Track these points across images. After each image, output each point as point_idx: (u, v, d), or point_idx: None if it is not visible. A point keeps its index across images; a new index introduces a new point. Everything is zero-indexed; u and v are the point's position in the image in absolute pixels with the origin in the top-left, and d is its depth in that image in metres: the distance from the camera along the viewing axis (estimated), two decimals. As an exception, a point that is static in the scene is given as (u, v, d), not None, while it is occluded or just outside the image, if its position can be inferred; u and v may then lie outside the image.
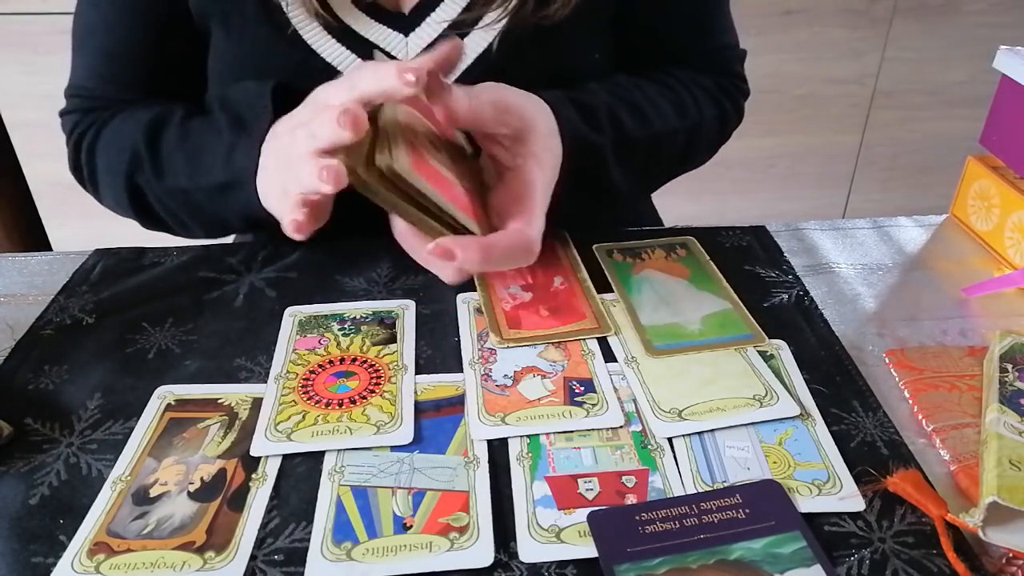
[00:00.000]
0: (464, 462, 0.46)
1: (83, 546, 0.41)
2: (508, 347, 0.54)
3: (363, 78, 0.47)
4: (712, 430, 0.48)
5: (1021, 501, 0.40)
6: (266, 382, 0.52)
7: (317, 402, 0.50)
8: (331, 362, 0.53)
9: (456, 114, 0.49)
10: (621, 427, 0.48)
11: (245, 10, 0.61)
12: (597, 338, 0.55)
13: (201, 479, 0.45)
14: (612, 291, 0.60)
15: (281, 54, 0.62)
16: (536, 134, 0.53)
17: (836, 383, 0.51)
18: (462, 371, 0.52)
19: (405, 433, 0.47)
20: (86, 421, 0.49)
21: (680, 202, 1.82)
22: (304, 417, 0.48)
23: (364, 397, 0.50)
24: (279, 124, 0.54)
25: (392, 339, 0.55)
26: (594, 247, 0.65)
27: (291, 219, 0.49)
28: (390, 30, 0.62)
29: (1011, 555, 0.40)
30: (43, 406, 0.50)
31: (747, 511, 0.42)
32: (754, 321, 0.57)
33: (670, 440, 0.47)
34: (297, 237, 0.50)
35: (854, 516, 0.42)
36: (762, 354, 0.54)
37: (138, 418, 0.49)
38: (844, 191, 1.93)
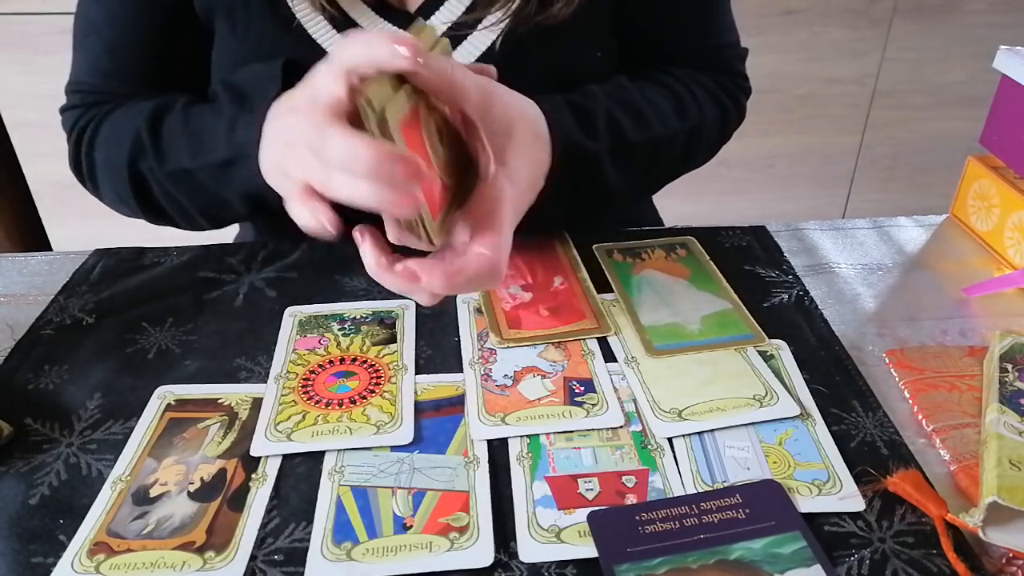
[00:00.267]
0: (464, 462, 0.46)
1: (83, 546, 0.41)
2: (508, 347, 0.54)
3: (354, 51, 0.45)
4: (712, 430, 0.48)
5: (1021, 501, 0.40)
6: (266, 382, 0.52)
7: (317, 402, 0.50)
8: (331, 362, 0.53)
9: (446, 79, 0.46)
10: (621, 427, 0.48)
11: (250, 5, 0.61)
12: (597, 338, 0.55)
13: (201, 479, 0.45)
14: (612, 291, 0.60)
15: (286, 49, 0.62)
16: (514, 143, 0.50)
17: (836, 383, 0.51)
18: (462, 371, 0.52)
19: (405, 433, 0.47)
20: (86, 421, 0.49)
21: (680, 202, 1.82)
22: (304, 417, 0.48)
23: (364, 397, 0.50)
24: (279, 103, 0.53)
25: (392, 339, 0.55)
26: (594, 247, 0.65)
27: (314, 217, 0.45)
28: (395, 27, 0.62)
29: (1011, 555, 0.40)
30: (43, 406, 0.50)
31: (747, 511, 0.42)
32: (754, 321, 0.57)
33: (670, 440, 0.47)
34: (327, 233, 0.46)
35: (854, 516, 0.42)
36: (762, 354, 0.54)
37: (138, 418, 0.49)
38: (844, 191, 1.93)
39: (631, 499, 0.43)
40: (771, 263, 0.64)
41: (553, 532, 0.41)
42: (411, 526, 0.42)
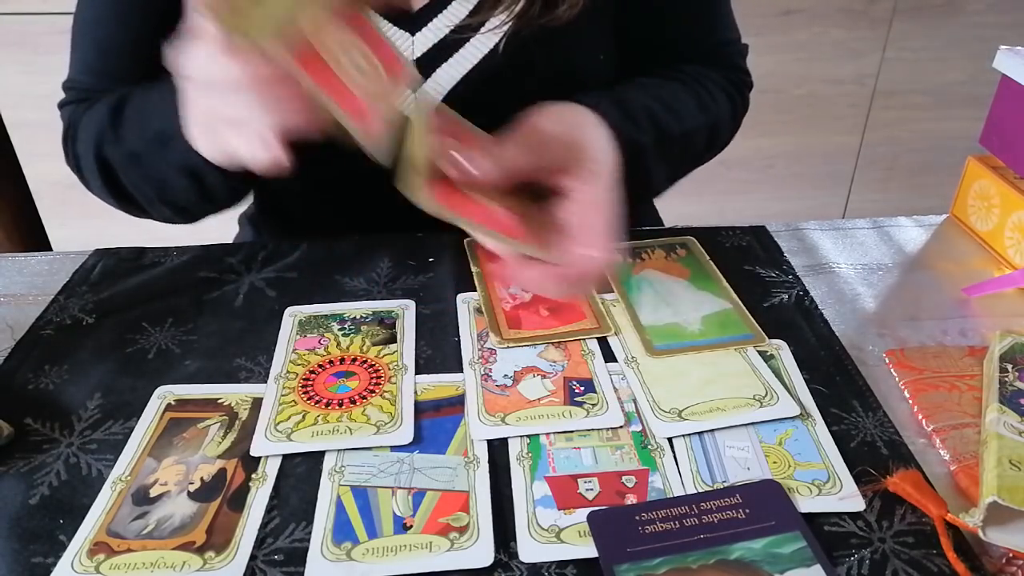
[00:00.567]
0: (464, 462, 0.46)
1: (83, 546, 0.41)
2: (508, 347, 0.54)
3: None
4: (712, 430, 0.48)
5: (1021, 501, 0.40)
6: (266, 382, 0.52)
7: (317, 402, 0.50)
8: (331, 362, 0.53)
9: (493, 177, 0.47)
10: (621, 427, 0.48)
11: None
12: (597, 338, 0.55)
13: (201, 479, 0.45)
14: (612, 291, 0.60)
15: None
16: (587, 151, 0.50)
17: (836, 383, 0.51)
18: (462, 371, 0.52)
19: (405, 433, 0.47)
20: (86, 421, 0.49)
21: (680, 202, 1.81)
22: (304, 417, 0.48)
23: (364, 397, 0.50)
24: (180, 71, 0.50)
25: (392, 339, 0.55)
26: (594, 247, 0.65)
27: (267, 156, 0.45)
28: (397, 28, 0.62)
29: (1011, 555, 0.40)
30: (43, 406, 0.50)
31: (747, 511, 0.42)
32: (754, 321, 0.57)
33: (670, 440, 0.47)
34: (275, 168, 0.46)
35: (854, 516, 0.42)
36: (762, 354, 0.54)
37: (138, 418, 0.49)
38: (844, 191, 1.93)
39: (631, 499, 0.43)
40: (771, 263, 0.64)
41: (553, 532, 0.41)
42: (411, 526, 0.42)
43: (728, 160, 1.80)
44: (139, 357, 0.54)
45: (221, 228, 0.79)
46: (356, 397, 0.50)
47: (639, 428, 0.48)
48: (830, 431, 0.48)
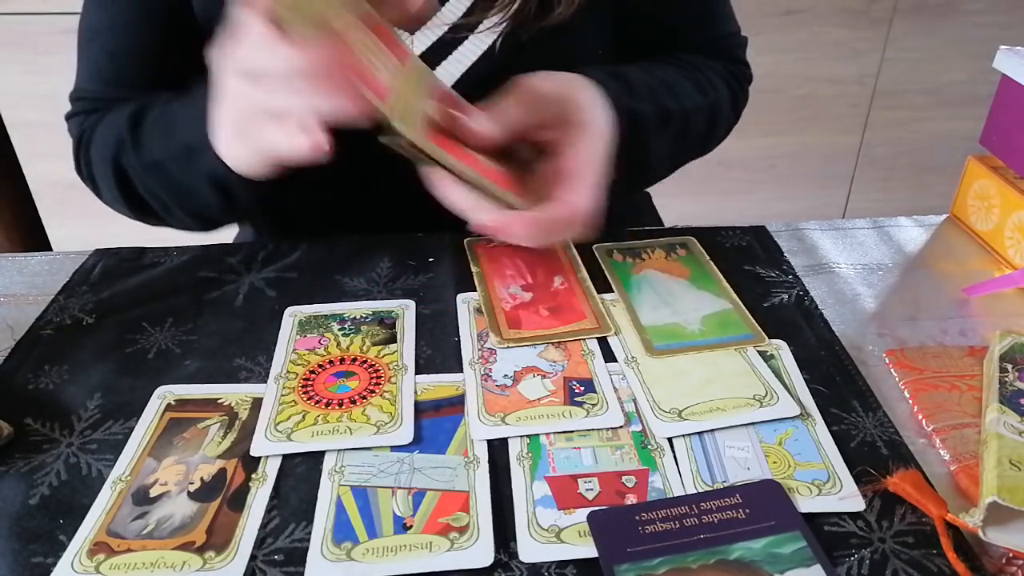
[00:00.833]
0: (464, 462, 0.46)
1: (83, 546, 0.41)
2: (508, 347, 0.54)
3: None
4: (712, 430, 0.48)
5: (1021, 501, 0.40)
6: (266, 382, 0.52)
7: (317, 402, 0.50)
8: (331, 362, 0.53)
9: (489, 138, 0.49)
10: (621, 427, 0.48)
11: None
12: (597, 338, 0.55)
13: (201, 479, 0.45)
14: (612, 291, 0.60)
15: None
16: (580, 111, 0.52)
17: (836, 383, 0.51)
18: (462, 371, 0.52)
19: (405, 433, 0.47)
20: (86, 421, 0.49)
21: (680, 202, 1.82)
22: (304, 417, 0.48)
23: (364, 397, 0.50)
24: (217, 75, 0.52)
25: (392, 339, 0.55)
26: (594, 247, 0.65)
27: (310, 143, 0.46)
28: (396, 28, 0.62)
29: (1011, 555, 0.40)
30: (43, 406, 0.50)
31: (747, 511, 0.42)
32: (754, 321, 0.57)
33: (670, 440, 0.47)
34: (322, 155, 0.46)
35: (854, 516, 0.42)
36: (762, 354, 0.54)
37: (138, 418, 0.49)
38: (844, 191, 1.93)
39: (631, 499, 0.43)
40: (771, 263, 0.64)
41: (553, 532, 0.41)
42: (411, 526, 0.42)
43: (728, 160, 1.80)
44: (139, 357, 0.54)
45: (221, 228, 0.79)
46: (356, 397, 0.50)
47: (639, 428, 0.48)
48: (830, 431, 0.48)
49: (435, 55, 0.63)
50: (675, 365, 0.53)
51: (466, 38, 0.62)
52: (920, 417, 0.49)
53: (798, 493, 0.43)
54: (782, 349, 0.54)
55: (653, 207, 0.87)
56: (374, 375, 0.52)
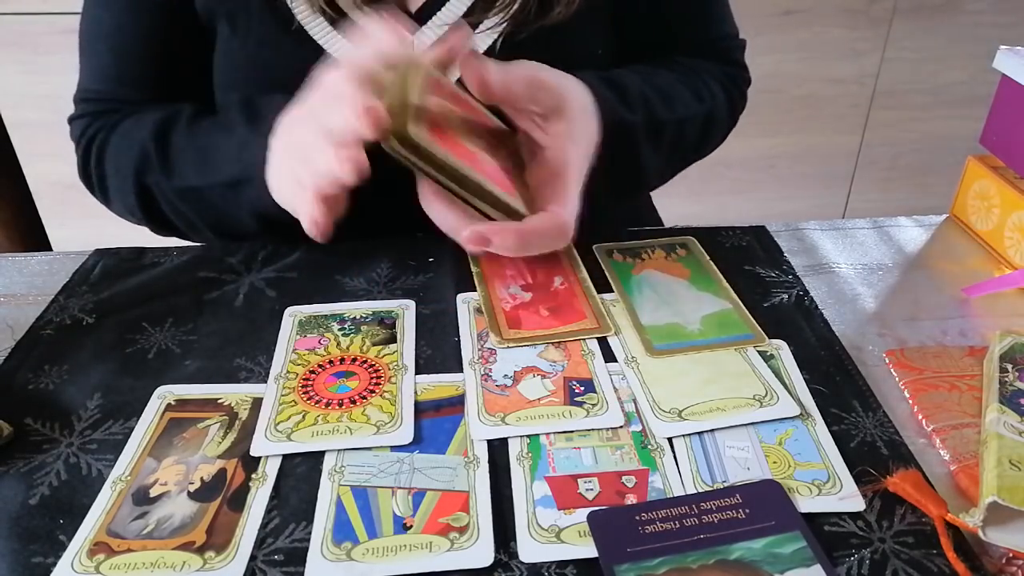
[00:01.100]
0: (464, 462, 0.46)
1: (83, 546, 0.41)
2: (508, 347, 0.54)
3: (368, 51, 0.47)
4: (712, 430, 0.48)
5: (1021, 501, 0.40)
6: (266, 382, 0.52)
7: (317, 402, 0.50)
8: (331, 362, 0.53)
9: (489, 86, 0.48)
10: (621, 427, 0.48)
11: (250, 7, 0.61)
12: (597, 338, 0.55)
13: (201, 479, 0.45)
14: (612, 291, 0.60)
15: (287, 51, 0.62)
16: (570, 112, 0.52)
17: (836, 383, 0.51)
18: (462, 371, 0.52)
19: (405, 433, 0.47)
20: (86, 421, 0.49)
21: (680, 202, 1.82)
22: (304, 417, 0.48)
23: (364, 397, 0.50)
24: (287, 114, 0.54)
25: (392, 339, 0.55)
26: (594, 247, 0.65)
27: (309, 217, 0.48)
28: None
29: (1011, 555, 0.40)
30: (43, 406, 0.50)
31: (747, 511, 0.42)
32: (754, 321, 0.57)
33: (670, 440, 0.47)
34: (318, 238, 0.49)
35: (854, 516, 0.42)
36: (762, 354, 0.54)
37: (138, 418, 0.49)
38: (844, 191, 1.93)
39: (631, 499, 0.43)
40: (771, 263, 0.64)
41: (553, 532, 0.41)
42: (411, 526, 0.42)
43: (728, 160, 1.80)
44: (139, 357, 0.54)
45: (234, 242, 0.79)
46: (356, 397, 0.50)
47: (639, 428, 0.48)
48: (830, 431, 0.48)
49: None
50: (675, 365, 0.53)
51: None
52: (920, 417, 0.49)
53: (798, 493, 0.43)
54: (782, 349, 0.54)
55: (653, 207, 0.87)
56: (374, 375, 0.52)
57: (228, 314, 0.58)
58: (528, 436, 0.47)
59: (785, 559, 0.39)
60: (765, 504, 0.42)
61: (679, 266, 0.63)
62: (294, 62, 0.62)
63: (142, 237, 0.71)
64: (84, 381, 0.52)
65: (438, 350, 0.55)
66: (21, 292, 0.61)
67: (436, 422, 0.48)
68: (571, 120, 0.52)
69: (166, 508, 0.43)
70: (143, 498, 0.43)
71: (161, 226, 0.65)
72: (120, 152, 0.63)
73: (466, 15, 0.62)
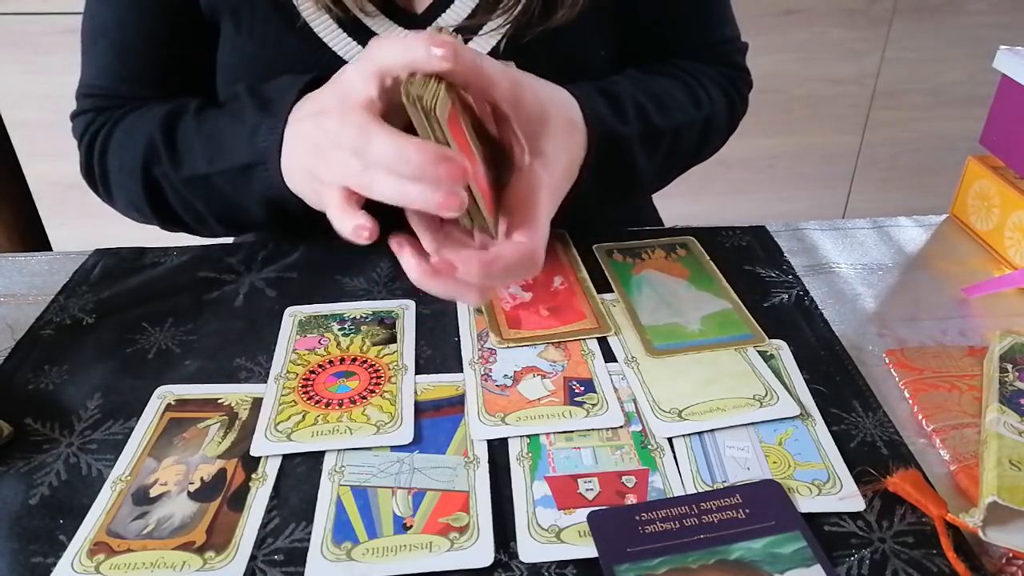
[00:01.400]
0: (464, 462, 0.46)
1: (83, 546, 0.41)
2: (508, 347, 0.54)
3: (389, 52, 0.45)
4: (712, 430, 0.48)
5: (1021, 501, 0.40)
6: (266, 382, 0.52)
7: (317, 402, 0.50)
8: (331, 362, 0.53)
9: (467, 68, 0.45)
10: (621, 427, 0.48)
11: (255, 4, 0.61)
12: (597, 338, 0.55)
13: (201, 479, 0.45)
14: (612, 291, 0.60)
15: (291, 48, 0.62)
16: (549, 130, 0.50)
17: (836, 383, 0.51)
18: (462, 371, 0.52)
19: (405, 433, 0.47)
20: (86, 421, 0.49)
21: (680, 202, 1.82)
22: (304, 417, 0.48)
23: (364, 397, 0.50)
24: (302, 105, 0.52)
25: (392, 339, 0.55)
26: (594, 247, 0.65)
27: (353, 225, 0.44)
28: (401, 28, 0.62)
29: (1011, 555, 0.40)
30: (43, 406, 0.50)
31: (747, 511, 0.42)
32: (754, 321, 0.57)
33: (670, 440, 0.47)
34: (366, 241, 0.45)
35: (854, 516, 0.42)
36: (762, 354, 0.54)
37: (138, 418, 0.49)
38: (844, 191, 1.93)
39: (631, 499, 0.43)
40: (771, 263, 0.64)
41: (553, 532, 0.41)
42: (411, 526, 0.42)
43: (728, 160, 1.80)
44: (139, 357, 0.54)
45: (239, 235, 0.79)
46: (356, 397, 0.50)
47: (639, 428, 0.48)
48: (830, 431, 0.48)
49: None
50: (675, 365, 0.53)
51: (469, 40, 0.63)
52: (920, 417, 0.49)
53: (798, 493, 0.43)
54: (782, 349, 0.54)
55: (653, 207, 0.87)
56: (374, 375, 0.52)
57: (228, 314, 0.58)
58: (528, 436, 0.47)
59: (785, 559, 0.39)
60: (765, 504, 0.42)
61: (679, 266, 0.63)
62: (298, 60, 0.62)
63: (142, 237, 0.71)
64: (84, 381, 0.52)
65: (438, 350, 0.55)
66: (21, 292, 0.61)
67: (436, 422, 0.48)
68: (548, 140, 0.50)
69: (166, 508, 0.43)
70: (143, 498, 0.43)
71: (168, 220, 0.65)
72: (125, 147, 0.63)
73: (470, 17, 0.62)
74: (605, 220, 0.75)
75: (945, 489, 0.44)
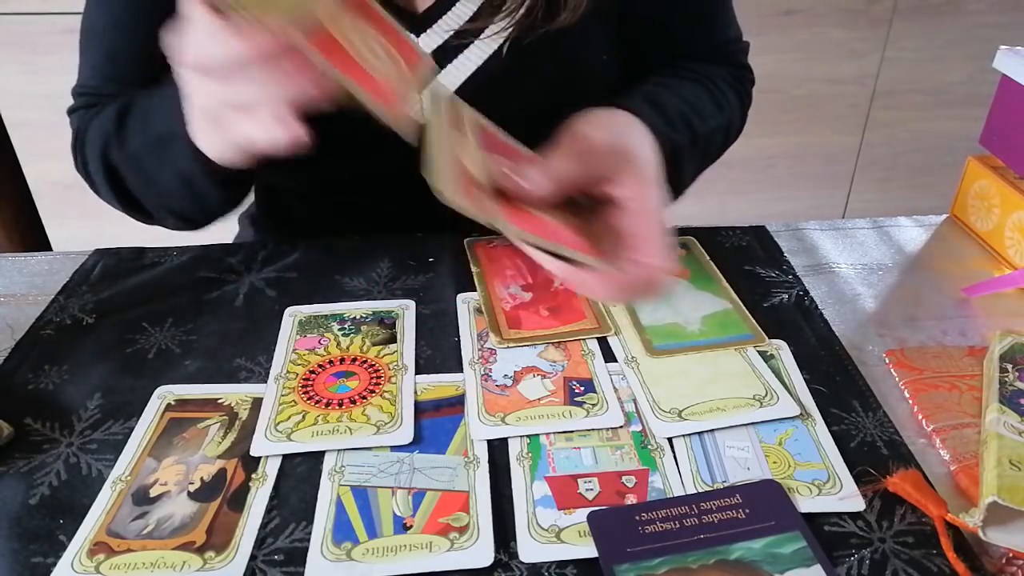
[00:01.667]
0: (464, 462, 0.46)
1: (83, 546, 0.41)
2: (508, 347, 0.54)
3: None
4: (712, 430, 0.48)
5: (1021, 501, 0.40)
6: (266, 382, 0.52)
7: (317, 402, 0.50)
8: (331, 362, 0.53)
9: (537, 198, 0.46)
10: (621, 427, 0.48)
11: None
12: (597, 338, 0.55)
13: (201, 479, 0.45)
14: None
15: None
16: (635, 156, 0.49)
17: (836, 383, 0.51)
18: (462, 371, 0.52)
19: (405, 433, 0.47)
20: (86, 421, 0.49)
21: (680, 202, 1.82)
22: (304, 417, 0.48)
23: (364, 397, 0.50)
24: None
25: (392, 339, 0.55)
26: (594, 247, 0.65)
27: (287, 134, 0.43)
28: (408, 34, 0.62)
29: (1011, 555, 0.40)
30: (43, 406, 0.50)
31: (747, 511, 0.42)
32: (754, 321, 0.57)
33: (670, 440, 0.47)
34: (296, 144, 0.43)
35: (854, 516, 0.42)
36: (762, 354, 0.54)
37: (138, 418, 0.49)
38: (844, 191, 1.93)
39: (631, 499, 0.43)
40: (771, 263, 0.64)
41: (553, 532, 0.41)
42: (411, 526, 0.42)
43: (729, 160, 1.79)
44: (139, 357, 0.54)
45: (221, 228, 0.79)
46: (356, 397, 0.50)
47: (639, 428, 0.48)
48: (830, 431, 0.48)
49: (441, 59, 0.63)
50: (675, 365, 0.53)
51: (472, 43, 0.62)
52: (920, 417, 0.49)
53: (798, 493, 0.43)
54: (782, 349, 0.54)
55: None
56: (374, 375, 0.52)
57: (228, 314, 0.58)
58: (528, 436, 0.47)
59: (785, 559, 0.39)
60: (765, 504, 0.42)
61: (679, 266, 0.63)
62: None
63: (142, 237, 0.71)
64: (84, 381, 0.52)
65: (438, 350, 0.55)
66: (21, 292, 0.61)
67: (436, 422, 0.48)
68: (641, 168, 0.49)
69: (166, 508, 0.43)
70: (143, 498, 0.43)
71: (133, 208, 0.64)
72: (95, 135, 0.63)
73: (472, 19, 0.62)
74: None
75: (945, 489, 0.44)
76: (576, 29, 0.61)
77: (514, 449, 0.46)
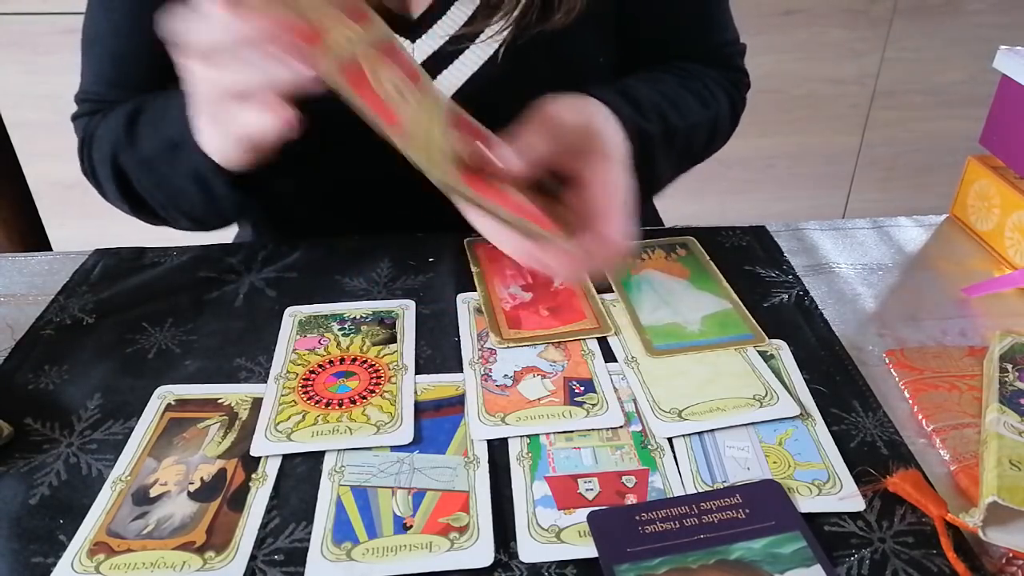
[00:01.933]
0: (464, 462, 0.46)
1: (83, 546, 0.41)
2: (508, 347, 0.54)
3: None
4: (712, 430, 0.48)
5: (1021, 501, 0.40)
6: (266, 382, 0.52)
7: (317, 402, 0.50)
8: (331, 362, 0.53)
9: (511, 175, 0.47)
10: (621, 427, 0.48)
11: None
12: (597, 338, 0.55)
13: (201, 479, 0.45)
14: (612, 291, 0.60)
15: None
16: (600, 136, 0.50)
17: (836, 383, 0.51)
18: (462, 371, 0.52)
19: (405, 433, 0.47)
20: (86, 421, 0.49)
21: (680, 202, 1.81)
22: (304, 417, 0.48)
23: (364, 397, 0.50)
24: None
25: (392, 339, 0.55)
26: (594, 247, 0.65)
27: (276, 118, 0.44)
28: (397, 35, 0.62)
29: (1011, 555, 0.40)
30: (43, 406, 0.50)
31: (747, 511, 0.42)
32: (754, 321, 0.57)
33: (670, 440, 0.47)
34: (285, 127, 0.44)
35: (854, 516, 0.42)
36: (762, 354, 0.54)
37: (138, 418, 0.49)
38: (844, 191, 1.93)
39: (631, 499, 0.43)
40: (771, 263, 0.64)
41: (553, 532, 0.41)
42: (411, 526, 0.42)
43: (728, 160, 1.80)
44: (139, 357, 0.54)
45: (217, 230, 0.79)
46: (356, 397, 0.50)
47: (639, 428, 0.48)
48: (830, 431, 0.48)
49: (437, 63, 0.63)
50: (675, 365, 0.53)
51: (468, 46, 0.62)
52: (920, 417, 0.49)
53: (798, 493, 0.43)
54: (782, 349, 0.54)
55: (653, 207, 0.86)
56: (374, 375, 0.52)
57: (228, 314, 0.58)
58: (528, 436, 0.47)
59: (785, 559, 0.39)
60: (765, 504, 0.42)
61: (679, 266, 0.63)
62: None
63: (142, 237, 0.71)
64: (84, 381, 0.52)
65: (438, 350, 0.55)
66: (21, 292, 0.62)
67: (436, 422, 0.48)
68: (606, 148, 0.50)
69: (166, 508, 0.43)
70: (143, 498, 0.43)
71: (142, 210, 0.64)
72: (103, 139, 0.63)
73: (468, 23, 0.62)
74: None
75: (945, 489, 0.44)
76: (572, 32, 0.61)
77: (514, 449, 0.46)
